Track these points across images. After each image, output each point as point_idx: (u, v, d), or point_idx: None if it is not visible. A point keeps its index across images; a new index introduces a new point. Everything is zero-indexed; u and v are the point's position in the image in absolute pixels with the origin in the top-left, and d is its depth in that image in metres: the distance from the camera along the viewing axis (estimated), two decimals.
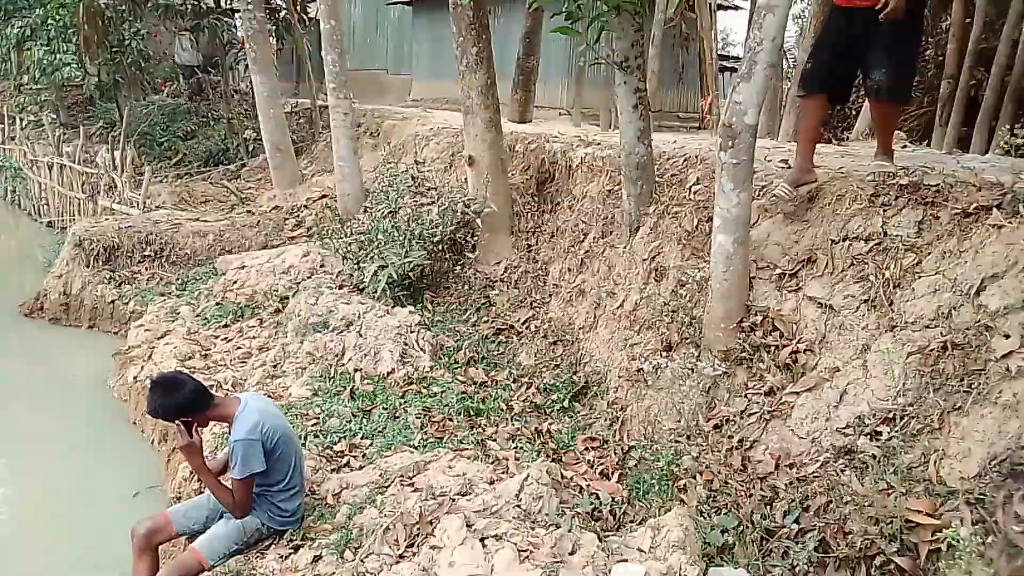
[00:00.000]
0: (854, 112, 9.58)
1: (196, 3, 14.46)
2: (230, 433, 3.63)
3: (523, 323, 6.24)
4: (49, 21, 13.71)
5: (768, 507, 3.41)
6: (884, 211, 3.92)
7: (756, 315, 4.18)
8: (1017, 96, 8.12)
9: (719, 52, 13.39)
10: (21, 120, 16.12)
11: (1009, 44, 7.96)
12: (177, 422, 3.56)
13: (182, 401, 3.51)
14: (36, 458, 5.69)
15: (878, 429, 3.31)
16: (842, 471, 3.31)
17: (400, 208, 7.30)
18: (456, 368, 5.77)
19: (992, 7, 8.61)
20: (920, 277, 3.57)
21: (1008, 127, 6.99)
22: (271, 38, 13.37)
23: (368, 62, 21.41)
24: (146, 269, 8.69)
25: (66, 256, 8.70)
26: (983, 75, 8.44)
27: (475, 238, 7.16)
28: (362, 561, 3.38)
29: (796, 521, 3.28)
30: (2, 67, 18.58)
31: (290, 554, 3.64)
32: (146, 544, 3.68)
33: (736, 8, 17.97)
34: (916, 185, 3.88)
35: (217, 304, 7.35)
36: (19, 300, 8.89)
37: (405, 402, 5.16)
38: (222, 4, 15.01)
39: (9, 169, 15.27)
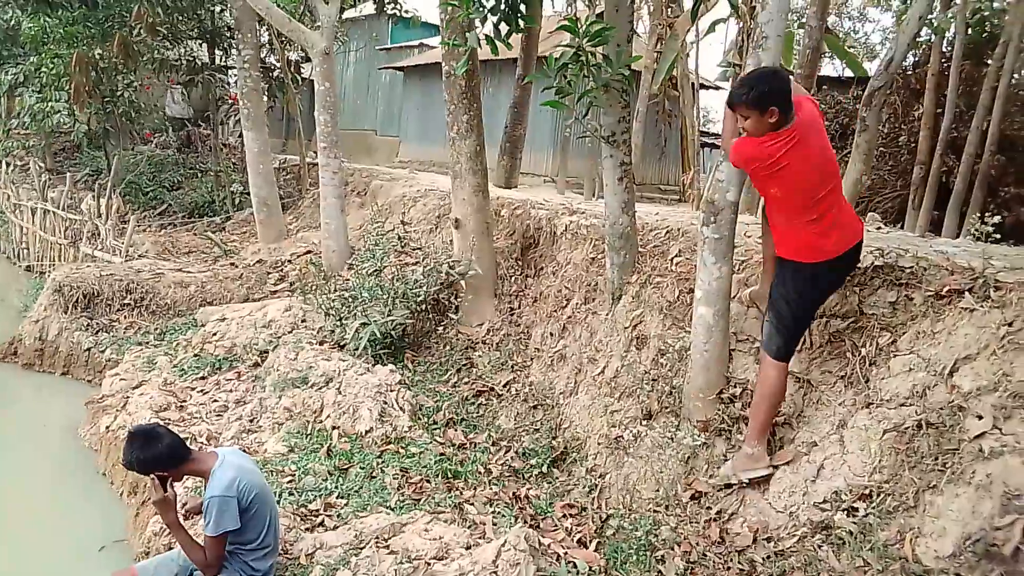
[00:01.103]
0: None
1: (191, 59, 14.73)
2: (205, 488, 3.58)
3: (504, 386, 6.25)
4: (42, 69, 13.87)
5: None
6: (860, 290, 4.04)
7: (735, 387, 4.24)
8: (986, 184, 8.44)
9: (700, 129, 13.79)
10: (7, 164, 16.13)
11: (978, 134, 8.33)
12: (152, 476, 3.51)
13: (159, 455, 3.47)
14: (0, 506, 5.53)
15: (855, 505, 3.34)
16: (819, 546, 3.33)
17: (385, 267, 7.35)
18: (435, 429, 5.74)
19: (962, 99, 9.01)
20: (895, 356, 3.67)
21: (979, 215, 7.25)
22: (263, 96, 13.61)
23: (358, 122, 21.82)
24: (125, 317, 8.61)
25: (44, 301, 8.61)
26: (954, 162, 8.79)
27: (458, 299, 7.21)
28: None
29: None
30: None
31: None
32: None
33: (717, 88, 18.61)
34: (891, 267, 4.01)
35: (195, 356, 7.28)
36: None
37: (382, 462, 5.11)
38: (216, 60, 15.30)
39: None
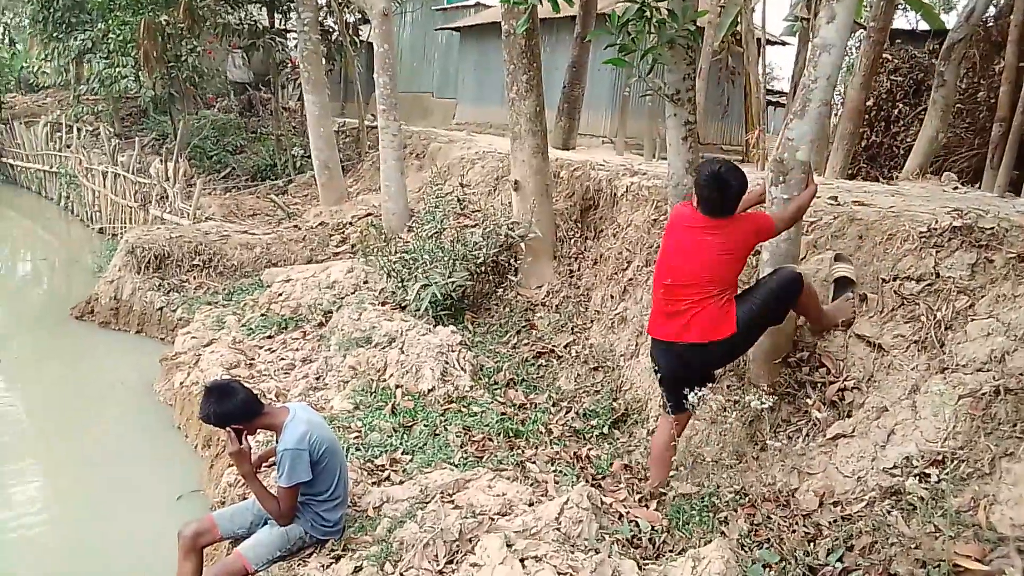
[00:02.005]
0: (903, 151, 9.52)
1: (252, 23, 14.89)
2: (277, 442, 3.71)
3: (564, 347, 6.27)
4: (110, 35, 14.19)
5: (811, 544, 3.37)
6: (936, 252, 3.90)
7: (803, 351, 4.18)
8: None
9: (765, 86, 13.39)
10: (78, 129, 16.66)
11: None
12: (228, 428, 3.65)
13: (234, 408, 3.61)
14: (82, 458, 5.84)
15: (926, 471, 3.27)
16: (888, 511, 3.27)
17: (445, 229, 7.40)
18: (496, 389, 5.81)
19: None
20: (973, 320, 3.55)
21: None
22: (323, 59, 13.70)
23: (414, 85, 21.81)
24: (194, 278, 8.91)
25: (118, 262, 8.95)
26: None
27: (518, 261, 7.23)
28: (402, 575, 3.42)
29: (840, 560, 3.24)
30: (62, 77, 19.29)
31: (331, 564, 3.68)
32: (192, 546, 3.76)
33: (783, 43, 17.99)
34: (970, 228, 3.86)
35: (262, 315, 7.50)
36: (69, 303, 9.16)
37: (445, 420, 5.20)
38: (276, 24, 15.43)
39: (65, 176, 15.79)
